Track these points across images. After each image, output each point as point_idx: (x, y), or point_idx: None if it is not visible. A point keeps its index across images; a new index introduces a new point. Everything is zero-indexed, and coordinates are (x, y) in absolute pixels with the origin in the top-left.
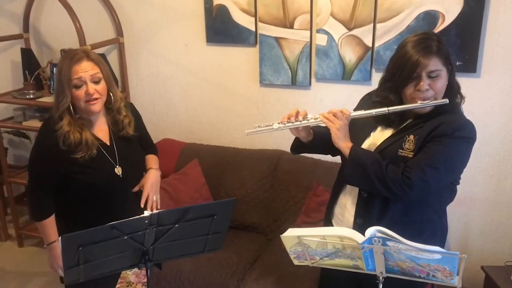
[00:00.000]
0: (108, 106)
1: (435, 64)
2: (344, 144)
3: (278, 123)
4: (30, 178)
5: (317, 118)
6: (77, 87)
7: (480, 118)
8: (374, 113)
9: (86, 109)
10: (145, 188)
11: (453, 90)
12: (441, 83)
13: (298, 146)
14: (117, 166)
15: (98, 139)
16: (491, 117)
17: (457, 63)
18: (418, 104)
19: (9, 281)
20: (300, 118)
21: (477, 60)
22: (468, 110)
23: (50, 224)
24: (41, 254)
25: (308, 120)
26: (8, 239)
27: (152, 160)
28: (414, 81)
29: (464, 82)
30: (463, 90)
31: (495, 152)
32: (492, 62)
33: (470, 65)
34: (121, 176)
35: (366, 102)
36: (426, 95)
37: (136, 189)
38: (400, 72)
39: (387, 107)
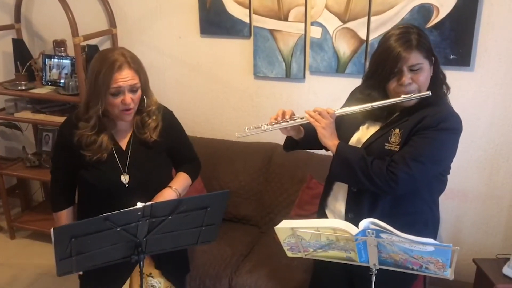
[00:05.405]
0: (139, 108)
1: (416, 58)
2: (331, 142)
3: (267, 125)
4: (51, 167)
5: (303, 118)
6: (114, 95)
7: (473, 112)
8: (358, 110)
9: (119, 117)
10: None
11: (438, 82)
12: (424, 76)
13: (290, 144)
14: (124, 174)
15: (115, 143)
16: (484, 111)
17: (451, 57)
18: (401, 98)
19: (1, 273)
20: (287, 117)
21: (471, 53)
22: (462, 103)
23: (62, 217)
24: (33, 246)
25: (295, 119)
26: None
27: (177, 179)
28: (397, 75)
29: (458, 75)
30: (456, 84)
31: (488, 145)
32: (486, 55)
33: (464, 59)
34: (126, 185)
35: (354, 96)
36: (409, 89)
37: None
38: (382, 68)
39: (371, 103)
